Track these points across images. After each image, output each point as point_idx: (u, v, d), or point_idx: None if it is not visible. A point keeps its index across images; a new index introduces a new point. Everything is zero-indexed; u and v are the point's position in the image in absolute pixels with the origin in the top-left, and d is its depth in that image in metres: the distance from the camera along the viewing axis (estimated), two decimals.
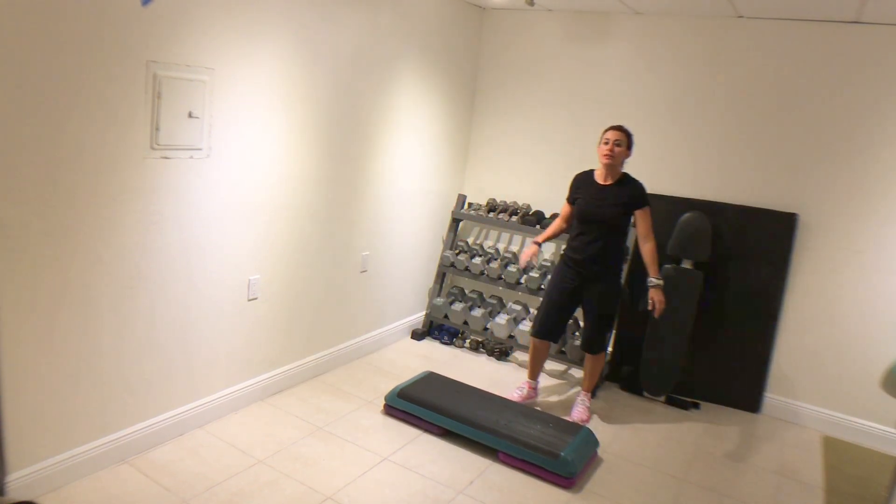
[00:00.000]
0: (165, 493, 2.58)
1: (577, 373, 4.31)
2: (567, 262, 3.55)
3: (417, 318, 4.75)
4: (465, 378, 3.86)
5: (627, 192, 3.41)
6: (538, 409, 3.65)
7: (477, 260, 4.53)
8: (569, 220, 3.63)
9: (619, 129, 3.40)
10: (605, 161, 3.38)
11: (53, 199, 2.31)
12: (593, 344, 3.57)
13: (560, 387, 4.07)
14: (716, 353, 4.04)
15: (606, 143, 3.36)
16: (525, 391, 3.76)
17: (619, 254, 3.54)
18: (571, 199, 3.58)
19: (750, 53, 3.87)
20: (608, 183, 3.44)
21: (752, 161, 3.94)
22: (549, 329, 3.63)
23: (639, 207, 3.42)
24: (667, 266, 3.98)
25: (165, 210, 2.72)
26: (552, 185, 4.43)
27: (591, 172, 3.54)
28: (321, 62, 3.36)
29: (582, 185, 3.53)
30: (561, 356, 4.26)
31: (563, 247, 3.68)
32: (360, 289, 4.09)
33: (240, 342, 3.27)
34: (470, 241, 4.89)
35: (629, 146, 3.41)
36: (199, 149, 2.81)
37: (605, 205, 3.40)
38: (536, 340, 3.70)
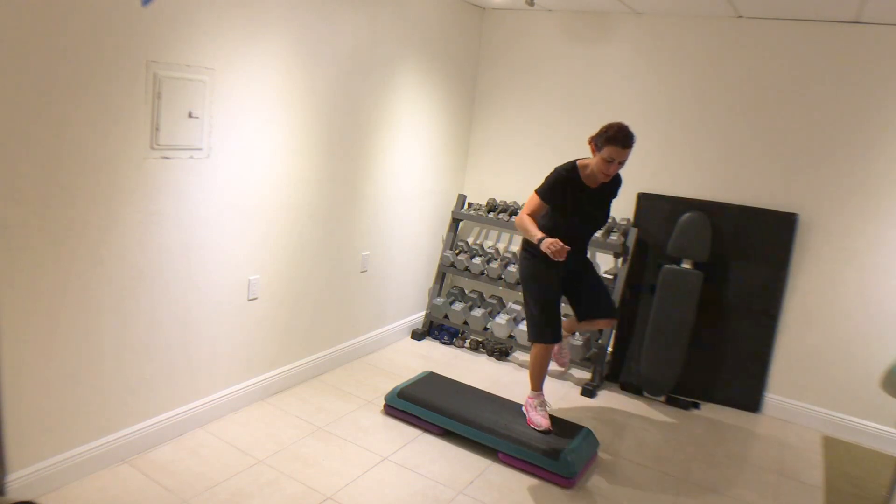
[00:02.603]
0: (165, 493, 2.58)
1: (578, 373, 4.31)
2: (551, 264, 3.10)
3: (417, 318, 4.75)
4: (465, 378, 3.86)
5: (612, 188, 3.21)
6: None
7: (477, 260, 4.53)
8: (538, 215, 3.12)
9: (630, 146, 2.90)
10: (603, 179, 3.03)
11: (53, 199, 2.31)
12: (614, 306, 3.47)
13: (559, 387, 4.07)
14: (716, 353, 4.04)
15: (611, 162, 2.91)
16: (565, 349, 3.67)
17: None
18: (552, 201, 3.06)
19: (750, 53, 3.87)
20: (596, 185, 3.10)
21: (752, 161, 3.94)
22: (560, 329, 3.33)
23: (614, 198, 3.26)
24: (667, 266, 3.99)
25: (165, 210, 2.72)
26: None
27: (575, 172, 3.06)
28: (321, 62, 3.36)
29: (569, 188, 3.05)
30: None
31: (527, 244, 3.24)
32: (360, 289, 4.09)
33: (240, 342, 3.27)
34: (470, 241, 4.89)
35: None
36: (200, 149, 2.81)
37: (598, 208, 3.19)
38: (552, 345, 3.30)
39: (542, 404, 3.30)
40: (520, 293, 4.54)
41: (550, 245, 2.84)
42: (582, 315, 3.40)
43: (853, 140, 3.66)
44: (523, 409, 3.36)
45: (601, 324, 3.46)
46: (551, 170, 3.12)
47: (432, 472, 2.97)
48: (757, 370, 3.99)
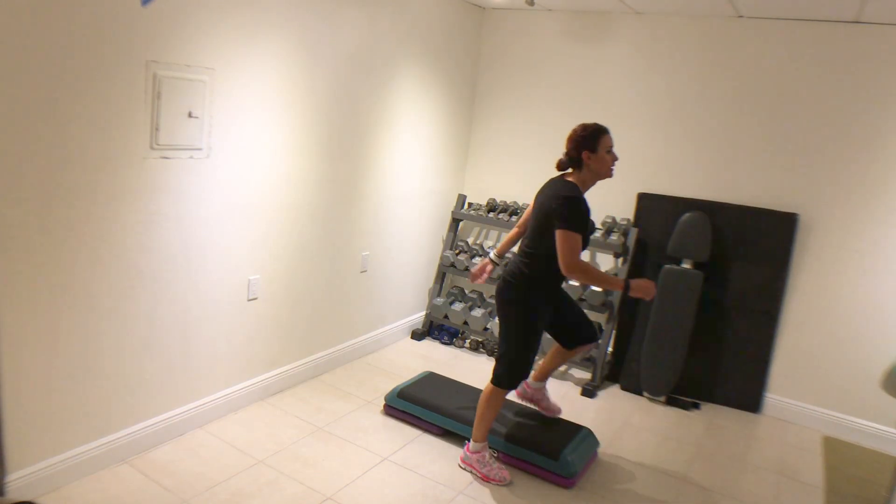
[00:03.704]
0: (165, 493, 2.58)
1: (578, 373, 4.31)
2: (548, 297, 2.90)
3: (417, 318, 4.75)
4: (465, 378, 3.86)
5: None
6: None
7: (477, 260, 4.53)
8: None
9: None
10: (609, 175, 2.81)
11: (53, 199, 2.31)
12: (594, 326, 3.19)
13: (559, 387, 4.07)
14: (716, 353, 4.04)
15: (610, 152, 2.76)
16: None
17: None
18: (585, 229, 2.71)
19: (750, 53, 3.87)
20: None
21: (753, 161, 3.94)
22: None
23: None
24: (667, 266, 3.99)
25: (165, 210, 2.72)
26: None
27: (579, 190, 2.76)
28: (321, 62, 3.36)
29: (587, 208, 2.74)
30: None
31: (526, 267, 2.86)
32: (360, 289, 4.09)
33: (240, 342, 3.27)
34: (470, 241, 4.89)
35: None
36: (199, 149, 2.81)
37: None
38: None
39: (493, 455, 3.00)
40: None
41: (647, 287, 2.70)
42: (572, 343, 3.09)
43: (853, 140, 3.66)
44: (464, 464, 3.01)
45: (585, 349, 3.15)
46: (560, 201, 2.68)
47: (432, 472, 2.97)
48: (757, 370, 3.99)
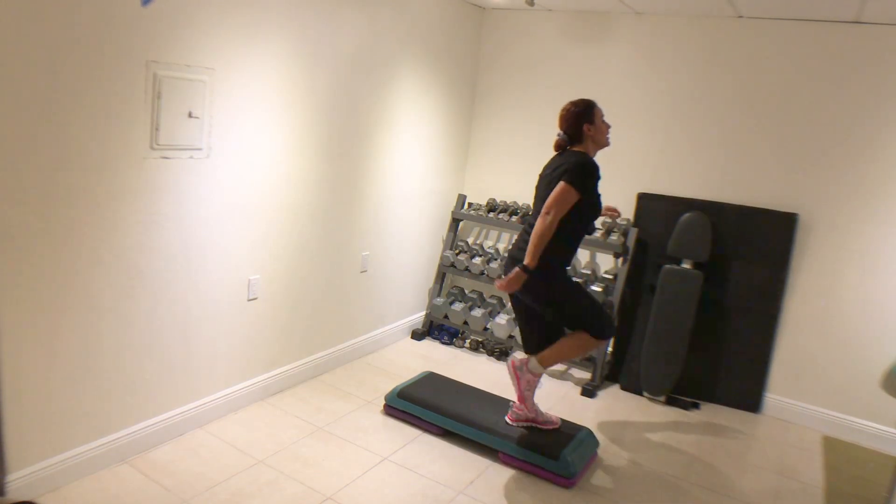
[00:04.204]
0: (165, 493, 2.59)
1: (578, 373, 4.31)
2: (568, 265, 3.04)
3: (417, 318, 4.75)
4: (465, 378, 3.86)
5: None
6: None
7: (477, 260, 4.53)
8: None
9: None
10: (607, 144, 2.99)
11: (53, 199, 2.31)
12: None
13: (559, 387, 4.07)
14: (716, 353, 4.04)
15: (603, 122, 2.96)
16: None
17: None
18: (593, 193, 2.87)
19: (750, 53, 3.87)
20: None
21: (753, 161, 3.94)
22: None
23: None
24: (667, 266, 3.99)
25: (165, 210, 2.72)
26: None
27: (591, 157, 2.91)
28: (321, 62, 3.36)
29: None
30: None
31: (552, 261, 2.88)
32: (360, 289, 4.09)
33: (240, 342, 3.27)
34: (470, 241, 4.89)
35: None
36: (199, 149, 2.81)
37: None
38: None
39: (538, 386, 3.14)
40: None
41: (507, 283, 2.82)
42: (538, 348, 3.11)
43: (853, 140, 3.66)
44: (512, 370, 3.10)
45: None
46: (572, 165, 2.79)
47: (432, 472, 2.97)
48: (757, 370, 3.99)
